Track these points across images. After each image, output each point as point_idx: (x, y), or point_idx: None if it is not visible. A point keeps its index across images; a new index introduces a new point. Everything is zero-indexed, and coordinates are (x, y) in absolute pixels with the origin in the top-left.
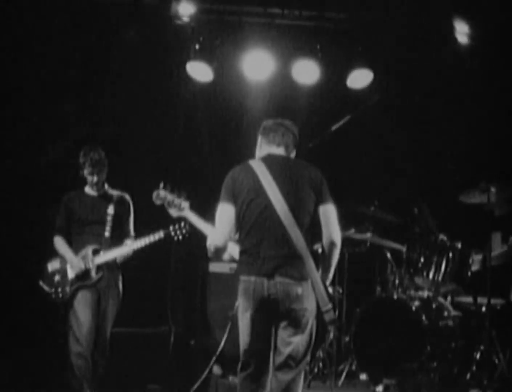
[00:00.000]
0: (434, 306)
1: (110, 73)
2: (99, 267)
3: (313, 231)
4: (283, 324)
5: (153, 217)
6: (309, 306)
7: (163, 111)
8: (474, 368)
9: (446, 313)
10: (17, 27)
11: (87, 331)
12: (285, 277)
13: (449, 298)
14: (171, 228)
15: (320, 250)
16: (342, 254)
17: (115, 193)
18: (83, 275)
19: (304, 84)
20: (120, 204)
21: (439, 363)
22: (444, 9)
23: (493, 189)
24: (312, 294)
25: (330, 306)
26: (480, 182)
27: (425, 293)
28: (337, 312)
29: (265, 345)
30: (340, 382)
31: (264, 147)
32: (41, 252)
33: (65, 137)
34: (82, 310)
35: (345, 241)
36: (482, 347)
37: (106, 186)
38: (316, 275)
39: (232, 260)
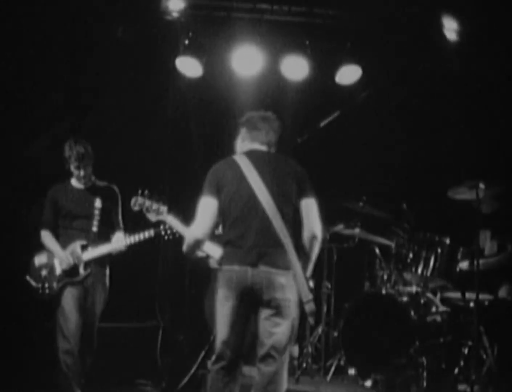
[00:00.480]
0: (422, 301)
1: (99, 68)
2: (87, 264)
3: (296, 224)
4: (265, 314)
5: (142, 215)
6: (292, 296)
7: (152, 106)
8: (462, 363)
9: (434, 309)
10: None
11: (74, 328)
12: (269, 266)
13: (438, 293)
14: (161, 226)
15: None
16: (330, 249)
17: (102, 184)
18: (71, 272)
19: (293, 79)
20: (108, 196)
21: (427, 358)
22: (433, 5)
23: (481, 186)
24: (294, 284)
25: (310, 297)
26: (468, 178)
27: (413, 289)
28: (325, 307)
29: (242, 337)
30: (328, 377)
31: (246, 142)
32: (26, 246)
33: (49, 130)
34: (69, 307)
35: (334, 236)
36: (470, 343)
37: (93, 177)
38: (298, 266)
39: (206, 257)
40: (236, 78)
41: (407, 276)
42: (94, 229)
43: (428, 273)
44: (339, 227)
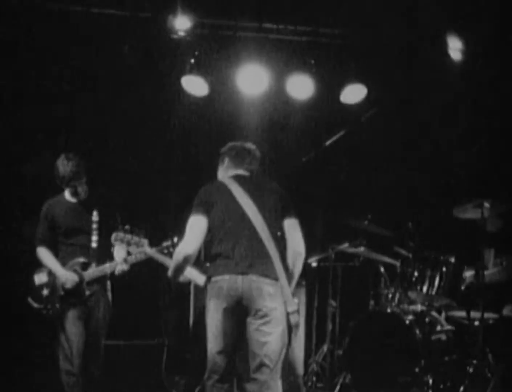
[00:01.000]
0: (427, 320)
1: (105, 86)
2: (89, 283)
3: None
4: (255, 325)
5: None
6: (279, 306)
7: (158, 124)
8: (467, 382)
9: (439, 327)
10: (10, 38)
11: (77, 350)
12: (258, 275)
13: (442, 312)
14: (163, 244)
15: (314, 264)
16: (335, 267)
17: (97, 194)
18: (74, 291)
19: (298, 98)
20: (104, 206)
21: (432, 376)
22: (438, 24)
23: (486, 205)
24: (281, 295)
25: (295, 308)
26: (474, 197)
27: (418, 307)
28: (330, 326)
29: (234, 347)
30: None
31: (231, 170)
32: (26, 263)
33: (52, 148)
34: (71, 329)
35: (339, 255)
36: (475, 361)
37: (86, 188)
38: (285, 278)
39: (188, 281)
40: (241, 97)
41: (412, 294)
42: (94, 244)
43: (433, 292)
44: (344, 246)
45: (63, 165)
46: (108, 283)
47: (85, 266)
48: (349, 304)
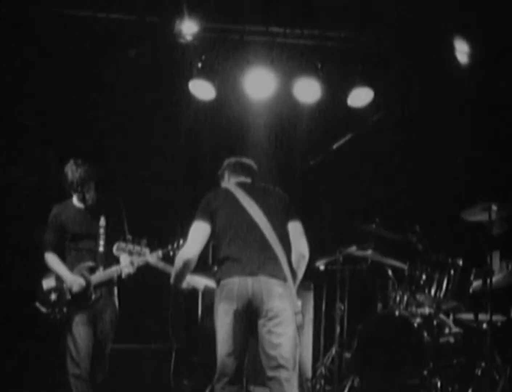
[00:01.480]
0: (435, 323)
1: (112, 91)
2: (96, 287)
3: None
4: (267, 327)
5: (151, 236)
6: (289, 306)
7: (165, 128)
8: (475, 384)
9: (447, 330)
10: (18, 42)
11: (84, 354)
12: (268, 276)
13: (450, 315)
14: (169, 247)
15: (322, 267)
16: (343, 271)
17: (104, 199)
18: (81, 296)
19: (305, 102)
20: (112, 211)
21: (440, 379)
22: (445, 28)
23: (494, 207)
24: (290, 295)
25: (299, 309)
26: (481, 200)
27: (426, 310)
28: (338, 329)
29: (244, 349)
30: None
31: (232, 179)
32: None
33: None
34: (79, 333)
35: (347, 258)
36: (483, 364)
37: (94, 194)
38: (292, 279)
39: (191, 289)
40: (248, 101)
41: (420, 297)
42: (101, 249)
43: (441, 295)
44: (352, 249)
45: (72, 171)
46: (115, 288)
47: (92, 270)
48: (357, 307)
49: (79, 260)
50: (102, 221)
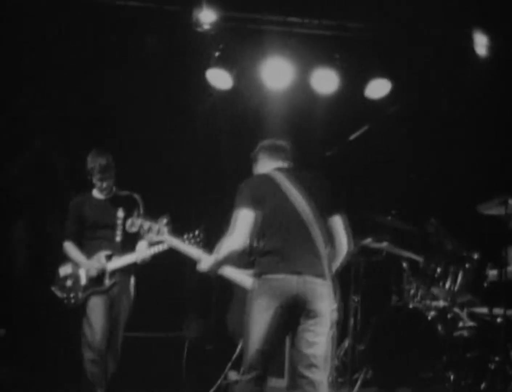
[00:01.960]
0: (449, 316)
1: (129, 79)
2: (112, 273)
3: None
4: (306, 325)
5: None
6: (330, 306)
7: (182, 117)
8: (488, 378)
9: (461, 324)
10: (35, 29)
11: (100, 338)
12: (312, 275)
13: (465, 308)
14: (185, 236)
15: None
16: (358, 263)
17: (123, 194)
18: (96, 281)
19: (322, 93)
20: (130, 206)
21: (454, 373)
22: (464, 20)
23: (510, 202)
24: (329, 294)
25: (335, 306)
26: (497, 194)
27: (440, 303)
28: (352, 321)
29: (277, 347)
30: (354, 391)
31: (269, 163)
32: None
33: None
34: (95, 316)
35: (362, 250)
36: (497, 358)
37: (114, 188)
38: (330, 276)
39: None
40: (266, 90)
41: (435, 290)
42: (118, 238)
43: (456, 288)
44: (367, 241)
45: (93, 158)
46: (132, 278)
47: (108, 258)
48: (371, 300)
49: (96, 248)
50: (120, 213)
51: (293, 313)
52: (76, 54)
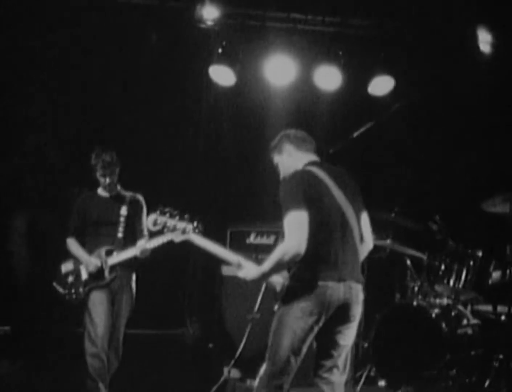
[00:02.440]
0: (453, 313)
1: (132, 76)
2: (112, 268)
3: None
4: (340, 328)
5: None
6: (361, 310)
7: (185, 113)
8: (492, 376)
9: (465, 321)
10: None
11: (102, 332)
12: (355, 281)
13: (468, 306)
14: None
15: None
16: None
17: (127, 194)
18: (97, 276)
19: (326, 90)
20: (133, 205)
21: (458, 371)
22: (467, 17)
23: None
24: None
25: None
26: (501, 191)
27: (444, 301)
28: None
29: (306, 352)
30: (358, 388)
31: (300, 155)
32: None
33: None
34: (96, 311)
35: None
36: (501, 356)
37: (118, 187)
38: None
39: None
40: (269, 87)
41: (439, 288)
42: (120, 235)
43: (460, 286)
44: None
45: (97, 155)
46: (133, 274)
47: (109, 253)
48: (374, 297)
49: (98, 244)
50: (124, 211)
51: (333, 319)
52: (78, 50)
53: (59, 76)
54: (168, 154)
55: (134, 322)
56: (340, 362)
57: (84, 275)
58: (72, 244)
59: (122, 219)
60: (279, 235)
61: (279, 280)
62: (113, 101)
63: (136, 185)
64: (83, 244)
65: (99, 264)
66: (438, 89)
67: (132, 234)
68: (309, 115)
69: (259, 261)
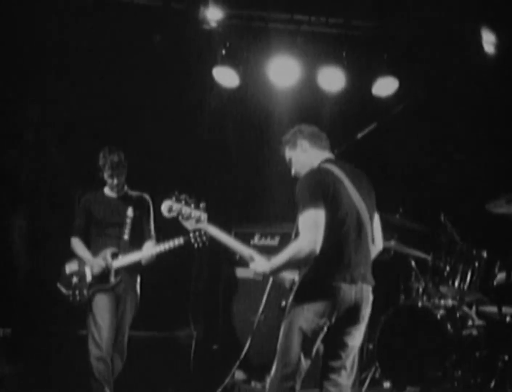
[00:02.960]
0: (458, 315)
1: (135, 77)
2: (117, 271)
3: None
4: (349, 329)
5: (172, 224)
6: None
7: (188, 115)
8: (497, 377)
9: (470, 322)
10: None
11: (106, 335)
12: (366, 283)
13: (473, 307)
14: (191, 234)
15: None
16: None
17: (134, 194)
18: (101, 278)
19: (329, 91)
20: (140, 206)
21: (463, 372)
22: (471, 18)
23: None
24: None
25: None
26: (506, 192)
27: (449, 302)
28: None
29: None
30: (363, 390)
31: (315, 152)
32: (59, 253)
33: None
34: (100, 314)
35: None
36: (506, 357)
37: (125, 187)
38: None
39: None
40: (272, 88)
41: (443, 289)
42: (126, 237)
43: (465, 287)
44: None
45: (104, 155)
46: (138, 276)
47: (115, 256)
48: (379, 298)
49: (103, 246)
50: (130, 212)
51: (342, 320)
52: (82, 51)
53: (63, 76)
54: (172, 155)
55: (138, 324)
56: (348, 363)
57: (89, 277)
58: (77, 244)
59: (128, 220)
60: (283, 236)
61: (288, 276)
62: (117, 102)
63: (141, 185)
64: (87, 243)
65: (103, 265)
66: (442, 89)
67: (138, 236)
68: (313, 116)
69: None
